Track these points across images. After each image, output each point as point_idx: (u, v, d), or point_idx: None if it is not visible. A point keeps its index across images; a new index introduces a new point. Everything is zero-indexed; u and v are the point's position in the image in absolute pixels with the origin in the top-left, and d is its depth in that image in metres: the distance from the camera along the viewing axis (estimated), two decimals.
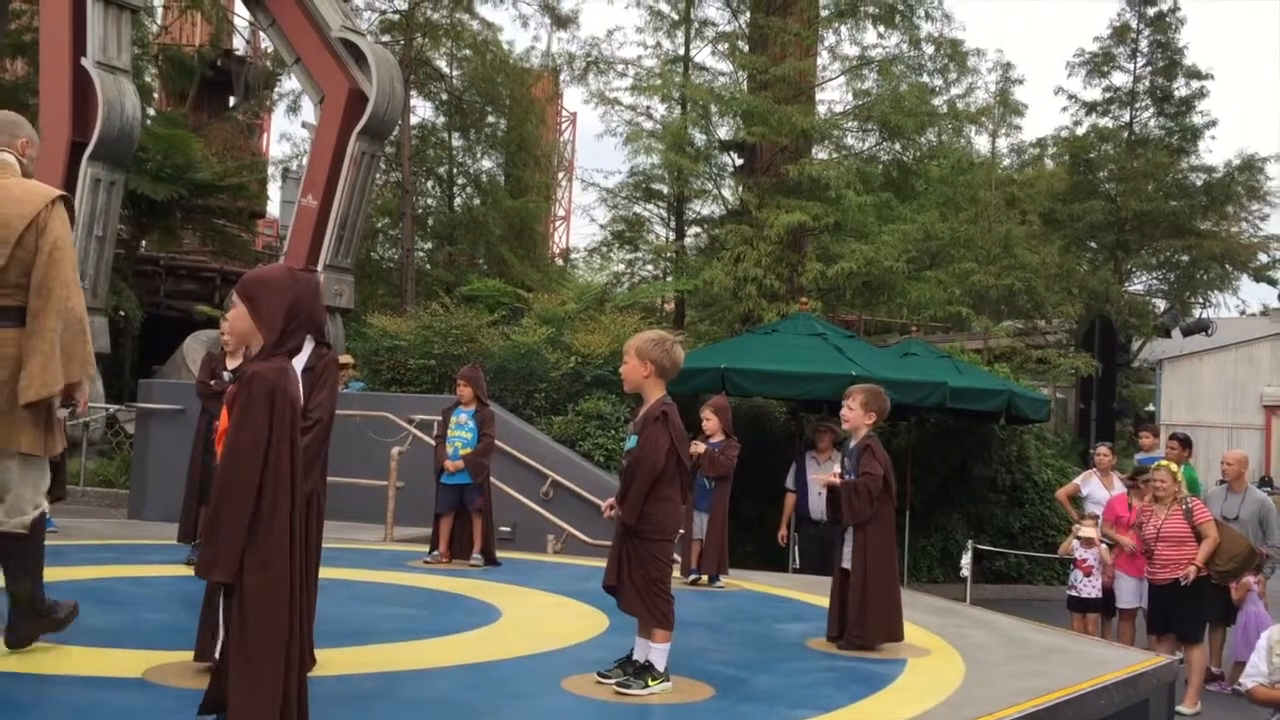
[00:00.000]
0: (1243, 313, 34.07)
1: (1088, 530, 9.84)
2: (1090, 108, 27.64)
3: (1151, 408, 33.67)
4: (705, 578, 8.02)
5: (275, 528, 3.49)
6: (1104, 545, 9.77)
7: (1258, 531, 9.59)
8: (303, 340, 3.78)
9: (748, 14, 20.03)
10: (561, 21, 24.43)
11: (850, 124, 19.84)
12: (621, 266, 22.33)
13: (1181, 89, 27.06)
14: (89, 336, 4.53)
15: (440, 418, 8.81)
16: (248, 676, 3.44)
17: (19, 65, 23.30)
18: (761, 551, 12.01)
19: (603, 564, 5.04)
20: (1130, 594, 9.51)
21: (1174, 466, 9.10)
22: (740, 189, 18.95)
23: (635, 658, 4.83)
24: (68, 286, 4.39)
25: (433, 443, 8.98)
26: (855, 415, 6.10)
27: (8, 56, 23.06)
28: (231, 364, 7.40)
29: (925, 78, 20.18)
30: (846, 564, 6.03)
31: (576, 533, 10.42)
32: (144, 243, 23.56)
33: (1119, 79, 27.45)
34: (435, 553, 8.54)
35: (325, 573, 5.52)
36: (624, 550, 4.82)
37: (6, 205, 4.34)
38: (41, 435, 4.45)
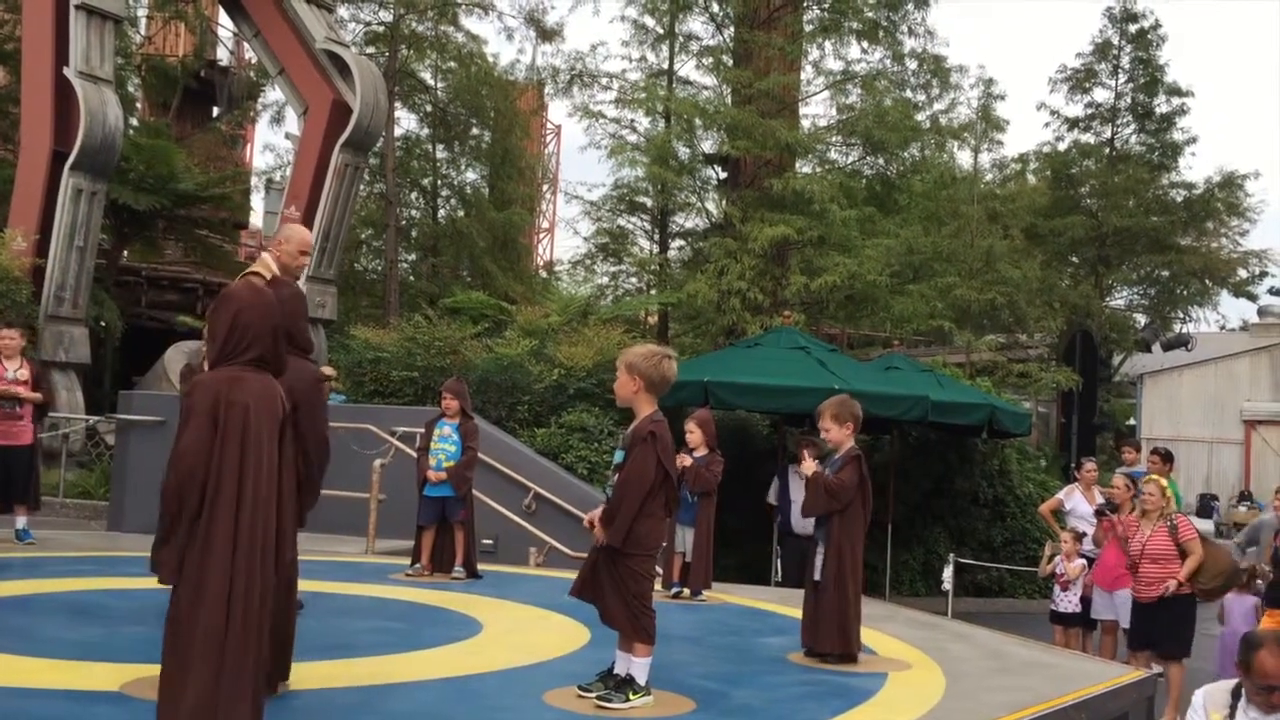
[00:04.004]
0: (1223, 328, 34.35)
1: (1059, 546, 9.96)
2: (1072, 123, 27.83)
3: (1132, 422, 33.86)
4: (687, 591, 8.02)
5: (218, 532, 3.58)
6: (1082, 560, 9.81)
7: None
8: (259, 352, 3.85)
9: (732, 28, 20.10)
10: (546, 35, 24.48)
11: (834, 138, 19.96)
12: (605, 279, 22.31)
13: (1162, 106, 27.30)
14: None
15: (423, 430, 8.80)
16: (177, 674, 3.50)
17: (1, 74, 23.20)
18: (744, 565, 12.01)
19: None
20: (1104, 607, 9.50)
21: (1163, 481, 8.95)
22: (724, 202, 19.00)
23: (616, 671, 4.82)
24: None
25: (415, 455, 8.96)
26: (833, 432, 6.12)
27: None
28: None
29: (908, 93, 20.34)
30: (819, 577, 6.04)
31: (559, 545, 10.39)
32: (125, 253, 23.45)
33: (1100, 95, 27.71)
34: (417, 565, 8.51)
35: (305, 585, 5.50)
36: (599, 561, 4.81)
37: None
38: None
